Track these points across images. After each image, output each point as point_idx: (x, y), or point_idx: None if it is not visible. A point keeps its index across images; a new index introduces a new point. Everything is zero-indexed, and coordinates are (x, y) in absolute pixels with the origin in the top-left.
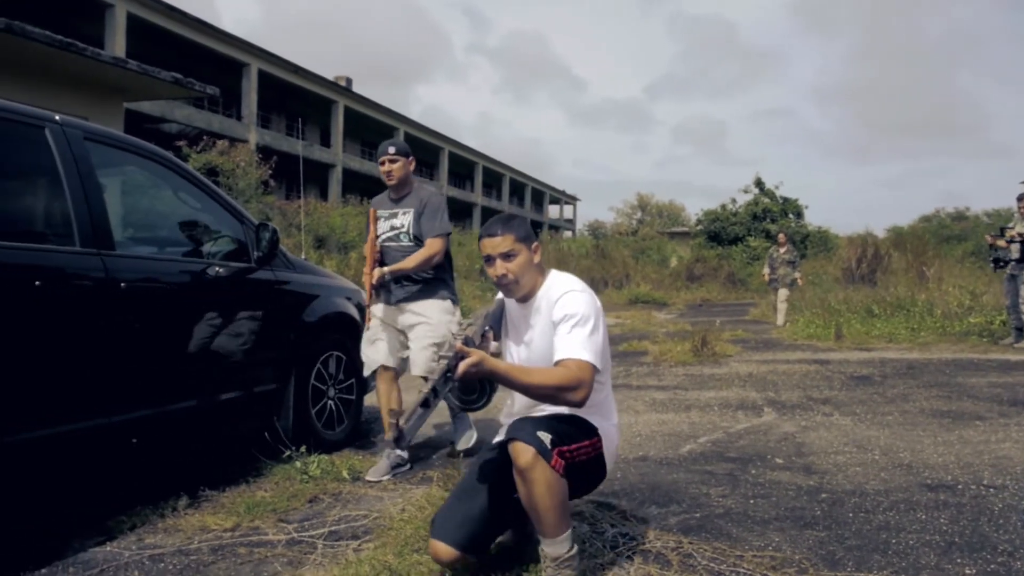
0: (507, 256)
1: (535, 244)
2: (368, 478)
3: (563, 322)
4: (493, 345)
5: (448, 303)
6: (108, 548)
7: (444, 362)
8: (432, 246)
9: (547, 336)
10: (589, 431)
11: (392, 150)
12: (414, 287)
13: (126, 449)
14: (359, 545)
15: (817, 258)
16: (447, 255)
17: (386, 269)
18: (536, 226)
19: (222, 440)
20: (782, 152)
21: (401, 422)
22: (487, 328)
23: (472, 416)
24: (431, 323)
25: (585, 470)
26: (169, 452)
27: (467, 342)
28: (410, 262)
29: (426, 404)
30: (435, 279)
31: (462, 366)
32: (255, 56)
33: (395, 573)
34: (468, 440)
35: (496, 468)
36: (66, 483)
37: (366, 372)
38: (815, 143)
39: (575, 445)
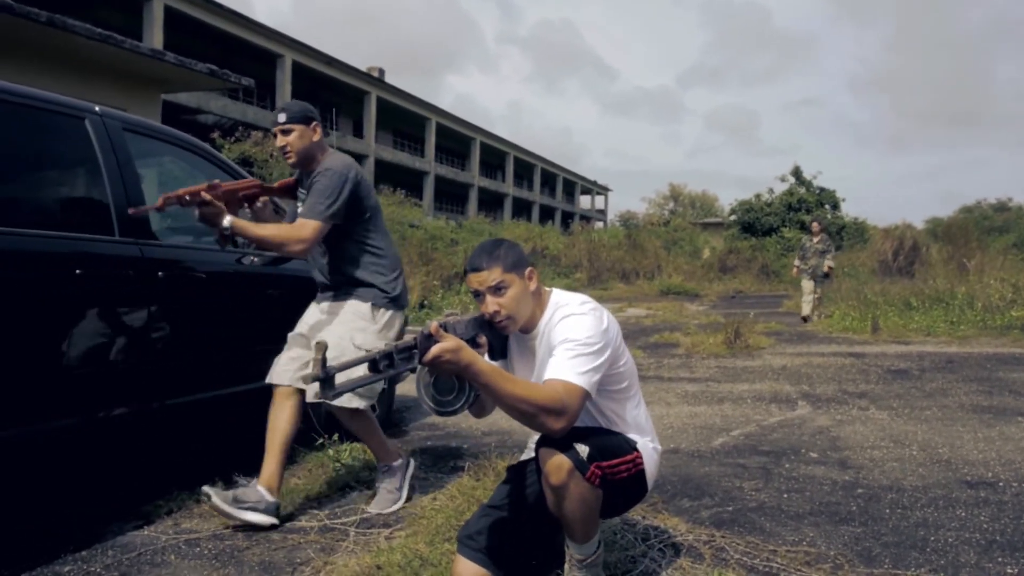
0: (497, 290)
1: (528, 270)
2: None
3: (560, 345)
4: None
5: (365, 307)
6: (146, 532)
7: (411, 337)
8: (297, 228)
9: None
10: (629, 446)
11: (283, 117)
12: (333, 291)
13: (169, 433)
14: (391, 533)
15: (853, 250)
16: (376, 248)
17: (229, 220)
18: (568, 216)
19: (258, 427)
20: (816, 142)
21: (332, 361)
22: (478, 333)
23: (454, 420)
24: (330, 325)
25: (624, 488)
26: (206, 438)
27: (446, 328)
28: (258, 229)
29: (375, 367)
30: (363, 282)
31: (435, 349)
32: (289, 47)
33: (426, 561)
34: (387, 503)
35: (532, 480)
36: (111, 468)
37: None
38: (850, 133)
39: (615, 461)
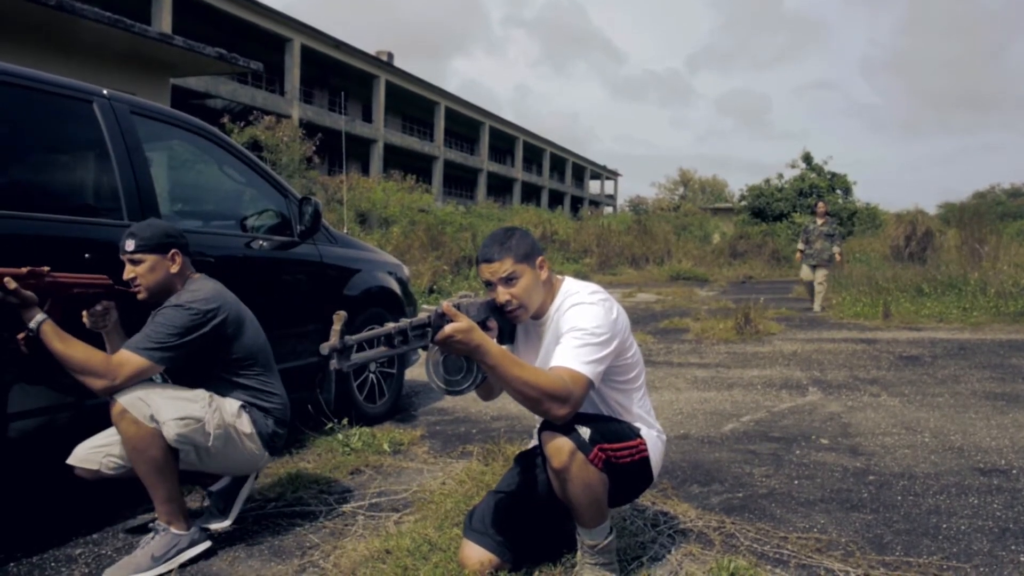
0: (509, 280)
1: (539, 259)
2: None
3: (568, 333)
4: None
5: (236, 403)
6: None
7: (424, 314)
8: (113, 365)
9: None
10: (632, 433)
11: (131, 245)
12: None
13: None
14: (400, 518)
15: (865, 235)
16: (266, 393)
17: (38, 322)
18: (577, 201)
19: None
20: (828, 126)
21: (350, 336)
22: (489, 317)
23: (459, 400)
24: (177, 396)
25: (628, 475)
26: None
27: (459, 308)
28: (64, 346)
29: (390, 342)
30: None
31: (447, 329)
32: (297, 31)
33: (435, 546)
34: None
35: (540, 466)
36: None
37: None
38: (863, 117)
39: (618, 445)
